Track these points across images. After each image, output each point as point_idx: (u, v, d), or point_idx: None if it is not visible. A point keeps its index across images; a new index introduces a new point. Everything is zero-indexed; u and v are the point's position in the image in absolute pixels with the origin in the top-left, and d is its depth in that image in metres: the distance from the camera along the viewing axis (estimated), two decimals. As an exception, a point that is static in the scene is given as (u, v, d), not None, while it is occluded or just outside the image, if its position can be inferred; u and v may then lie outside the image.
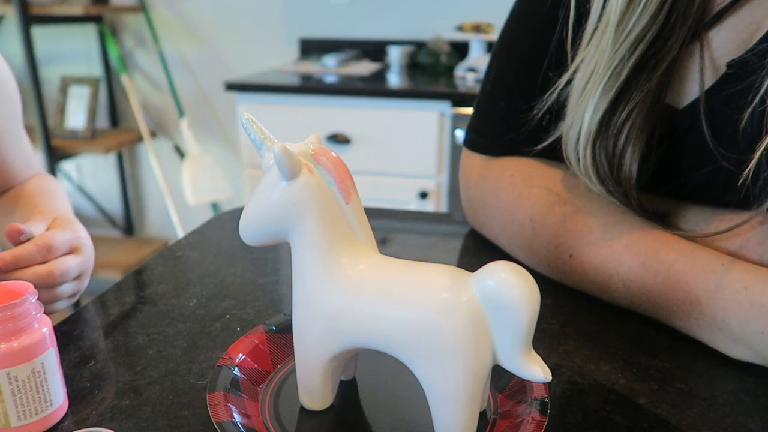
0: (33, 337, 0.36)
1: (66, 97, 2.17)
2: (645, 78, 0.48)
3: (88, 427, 0.37)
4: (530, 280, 0.31)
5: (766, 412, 0.40)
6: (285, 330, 0.43)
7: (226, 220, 0.73)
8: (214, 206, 2.31)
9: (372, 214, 0.56)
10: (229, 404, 0.36)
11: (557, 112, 0.55)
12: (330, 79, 1.77)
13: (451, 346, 0.31)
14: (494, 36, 1.80)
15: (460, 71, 1.78)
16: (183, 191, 2.14)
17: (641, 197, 0.52)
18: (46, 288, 0.48)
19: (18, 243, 0.47)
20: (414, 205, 1.67)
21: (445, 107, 1.59)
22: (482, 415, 0.36)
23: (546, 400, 0.36)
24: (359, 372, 0.42)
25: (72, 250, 0.50)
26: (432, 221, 0.75)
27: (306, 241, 0.35)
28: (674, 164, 0.53)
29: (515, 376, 0.38)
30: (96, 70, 2.33)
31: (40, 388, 0.36)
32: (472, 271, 0.32)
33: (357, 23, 2.10)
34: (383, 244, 0.67)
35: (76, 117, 2.15)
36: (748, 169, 0.43)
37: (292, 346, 0.38)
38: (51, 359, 0.37)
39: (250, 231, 0.37)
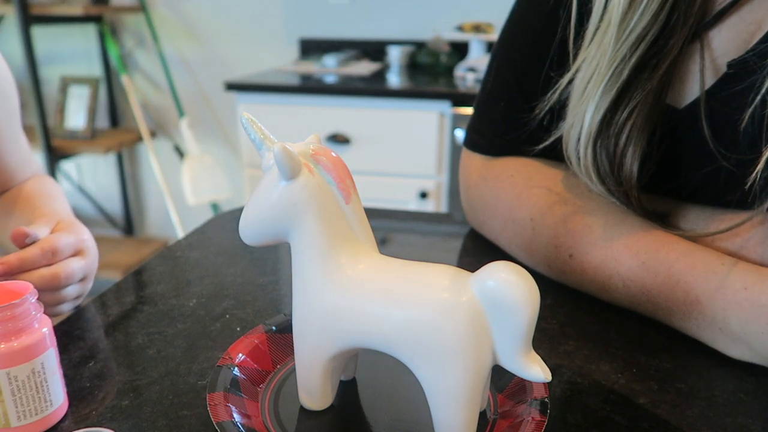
0: (33, 337, 0.36)
1: (66, 97, 2.17)
2: (646, 77, 0.48)
3: (88, 427, 0.37)
4: (530, 280, 0.31)
5: (766, 412, 0.40)
6: (285, 330, 0.43)
7: (226, 220, 0.73)
8: (214, 206, 2.31)
9: (372, 214, 0.56)
10: (229, 404, 0.36)
11: (558, 112, 0.55)
12: (330, 79, 1.77)
13: (451, 346, 0.31)
14: (494, 36, 1.79)
15: (460, 71, 1.78)
16: (183, 191, 2.14)
17: (641, 197, 0.52)
18: (51, 290, 0.48)
19: (23, 246, 0.48)
20: (414, 205, 1.67)
21: (445, 107, 1.59)
22: (482, 415, 0.36)
23: (546, 400, 0.36)
24: (359, 372, 0.42)
25: (76, 253, 0.51)
26: (432, 221, 0.75)
27: (306, 241, 0.35)
28: (674, 164, 0.53)
29: (515, 376, 0.38)
30: (96, 70, 2.33)
31: (40, 388, 0.36)
32: (472, 271, 0.32)
33: (357, 23, 2.10)
34: (383, 244, 0.67)
35: (76, 117, 2.15)
36: (753, 175, 0.43)
37: (292, 346, 0.38)
38: (51, 359, 0.37)
39: (250, 231, 0.37)
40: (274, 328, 0.44)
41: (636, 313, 0.51)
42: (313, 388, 0.38)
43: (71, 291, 0.50)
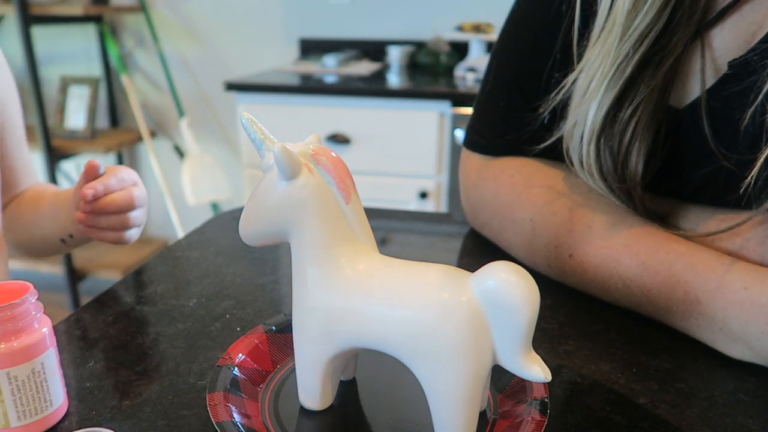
0: (33, 337, 0.36)
1: (66, 97, 2.17)
2: (650, 75, 0.48)
3: (88, 427, 0.37)
4: (530, 280, 0.31)
5: (766, 412, 0.40)
6: (285, 330, 0.43)
7: (226, 220, 0.73)
8: (214, 206, 2.31)
9: (372, 214, 0.56)
10: (229, 404, 0.36)
11: (559, 111, 0.55)
12: (330, 79, 1.77)
13: (451, 346, 0.31)
14: (494, 36, 1.79)
15: (460, 71, 1.78)
16: (183, 191, 2.14)
17: (644, 196, 0.52)
18: (127, 212, 0.56)
19: (96, 176, 0.55)
20: (414, 205, 1.67)
21: (445, 107, 1.59)
22: (482, 415, 0.36)
23: (546, 400, 0.36)
24: (359, 372, 0.42)
25: (133, 183, 0.58)
26: (432, 221, 0.75)
27: (306, 241, 0.35)
28: (675, 164, 0.53)
29: (515, 376, 0.38)
30: (96, 70, 2.33)
31: (40, 388, 0.36)
32: (472, 271, 0.32)
33: (357, 23, 2.10)
34: (383, 244, 0.67)
35: (75, 117, 2.15)
36: (751, 176, 0.43)
37: (292, 346, 0.38)
38: (51, 359, 0.37)
39: (250, 231, 0.37)
40: (274, 328, 0.44)
41: (636, 313, 0.51)
42: (313, 388, 0.38)
43: (138, 216, 0.58)
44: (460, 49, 1.95)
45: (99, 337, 0.48)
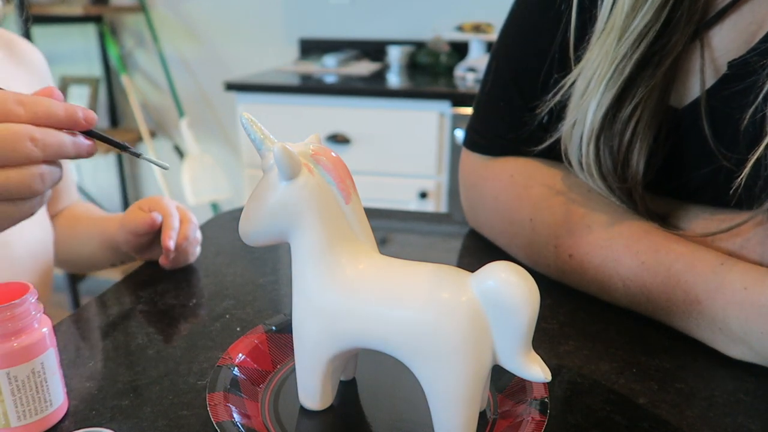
0: (33, 337, 0.36)
1: (66, 97, 2.16)
2: (649, 75, 0.48)
3: (88, 427, 0.37)
4: (530, 280, 0.31)
5: (766, 412, 0.40)
6: (285, 330, 0.43)
7: (226, 220, 0.73)
8: (214, 206, 2.31)
9: (372, 214, 0.56)
10: (229, 404, 0.36)
11: (558, 112, 0.55)
12: (330, 79, 1.77)
13: (451, 346, 0.31)
14: (494, 36, 1.79)
15: (459, 71, 1.78)
16: (183, 191, 2.14)
17: (644, 196, 0.52)
18: (195, 244, 0.61)
19: (157, 227, 0.58)
20: (414, 205, 1.67)
21: (444, 107, 1.59)
22: (482, 415, 0.36)
23: (546, 400, 0.36)
24: (359, 372, 0.42)
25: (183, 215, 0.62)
26: (432, 221, 0.75)
27: (306, 241, 0.35)
28: (675, 163, 0.53)
29: (515, 376, 0.38)
30: (96, 70, 2.33)
31: (40, 388, 0.36)
32: (472, 271, 0.32)
33: (357, 23, 2.10)
34: (383, 244, 0.67)
35: (75, 117, 2.15)
36: (741, 176, 0.43)
37: (292, 346, 0.38)
38: (51, 359, 0.37)
39: (250, 231, 0.37)
40: (274, 328, 0.44)
41: (636, 313, 0.51)
42: (313, 388, 0.38)
43: (198, 236, 0.62)
44: (460, 49, 1.95)
45: (99, 337, 0.48)
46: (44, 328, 0.37)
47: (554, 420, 0.38)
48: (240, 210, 0.67)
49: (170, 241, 0.56)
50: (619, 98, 0.49)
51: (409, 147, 1.63)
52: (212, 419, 0.35)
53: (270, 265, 0.61)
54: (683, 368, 0.44)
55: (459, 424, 0.33)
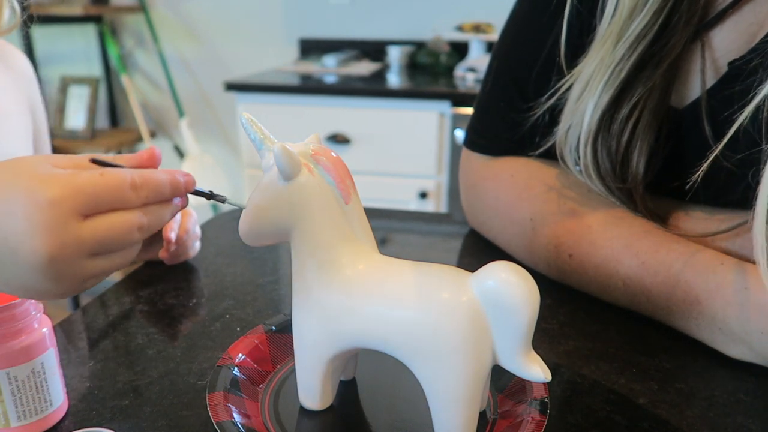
0: (33, 337, 0.36)
1: (66, 97, 2.17)
2: (647, 76, 0.48)
3: (88, 427, 0.37)
4: (530, 280, 0.31)
5: (766, 412, 0.40)
6: (285, 330, 0.43)
7: (226, 220, 0.73)
8: (214, 206, 2.31)
9: (372, 214, 0.56)
10: (229, 404, 0.36)
11: (559, 112, 0.55)
12: (330, 79, 1.77)
13: (451, 347, 0.31)
14: (494, 36, 1.80)
15: (459, 71, 1.78)
16: (183, 191, 2.14)
17: (645, 196, 0.52)
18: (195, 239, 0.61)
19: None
20: (414, 205, 1.67)
21: (444, 107, 1.59)
22: (482, 415, 0.36)
23: (546, 400, 0.36)
24: (359, 372, 0.42)
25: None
26: (432, 221, 0.75)
27: (306, 241, 0.35)
28: (676, 164, 0.53)
29: (515, 376, 0.38)
30: (96, 70, 2.33)
31: (40, 388, 0.36)
32: (472, 271, 0.32)
33: (357, 23, 2.10)
34: (383, 244, 0.67)
35: (75, 117, 2.15)
36: (699, 172, 0.43)
37: (292, 346, 0.38)
38: (51, 359, 0.37)
39: (250, 231, 0.37)
40: (274, 328, 0.44)
41: (636, 313, 0.51)
42: (313, 388, 0.38)
43: (198, 232, 0.62)
44: (460, 49, 1.95)
45: (99, 337, 0.48)
46: (44, 328, 0.37)
47: (554, 420, 0.38)
48: (240, 210, 0.67)
49: (172, 233, 0.57)
50: (617, 99, 0.49)
51: (409, 147, 1.63)
52: (212, 419, 0.35)
53: (270, 265, 0.61)
54: (683, 368, 0.44)
55: (459, 424, 0.33)
